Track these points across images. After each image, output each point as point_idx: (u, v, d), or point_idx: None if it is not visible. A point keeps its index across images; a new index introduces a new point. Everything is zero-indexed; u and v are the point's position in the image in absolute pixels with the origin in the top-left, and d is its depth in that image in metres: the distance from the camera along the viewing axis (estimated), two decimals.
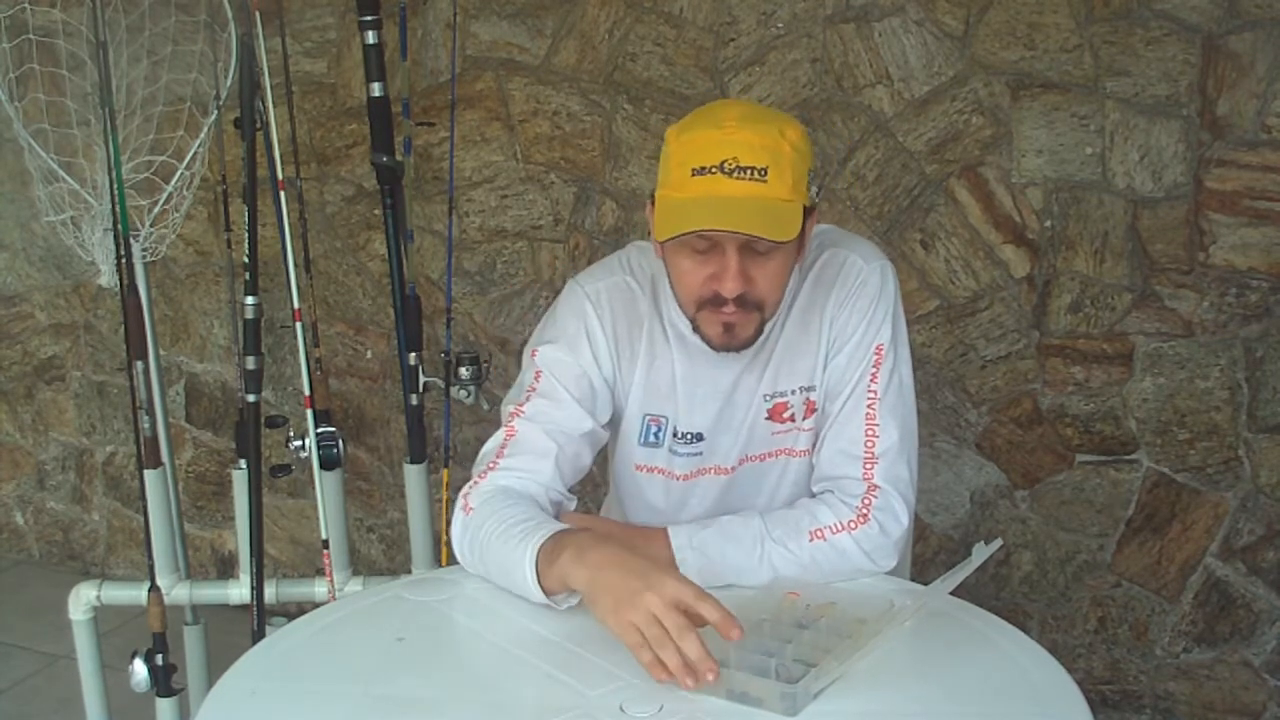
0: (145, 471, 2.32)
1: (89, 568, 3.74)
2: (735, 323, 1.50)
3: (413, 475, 2.44)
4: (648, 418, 1.65)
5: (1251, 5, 2.29)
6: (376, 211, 2.96)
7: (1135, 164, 2.44)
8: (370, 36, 2.28)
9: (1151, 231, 2.46)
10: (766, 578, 1.50)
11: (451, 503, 1.72)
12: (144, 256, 2.38)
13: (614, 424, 1.68)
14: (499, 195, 2.96)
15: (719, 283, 1.46)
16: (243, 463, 2.37)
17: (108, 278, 2.39)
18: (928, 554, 2.75)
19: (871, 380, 1.58)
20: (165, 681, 2.31)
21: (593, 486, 2.53)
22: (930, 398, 2.66)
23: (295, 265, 2.16)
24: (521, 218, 2.95)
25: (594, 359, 1.61)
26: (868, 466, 1.56)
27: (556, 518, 1.54)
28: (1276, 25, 2.29)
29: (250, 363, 2.28)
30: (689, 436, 1.65)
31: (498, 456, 1.57)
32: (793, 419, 1.64)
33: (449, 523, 1.58)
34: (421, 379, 2.39)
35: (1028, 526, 2.68)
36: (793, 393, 1.62)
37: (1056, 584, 2.68)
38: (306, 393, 2.19)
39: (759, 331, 1.54)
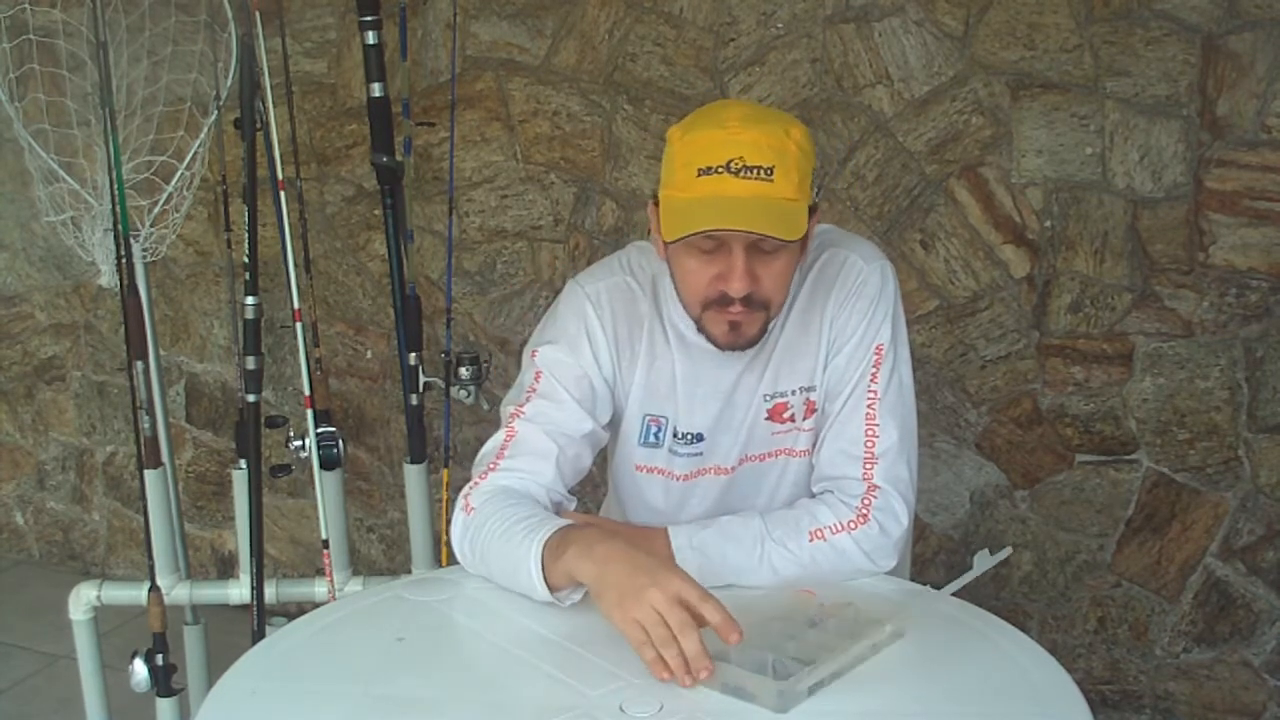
0: (145, 471, 2.32)
1: (89, 568, 3.74)
2: (741, 321, 1.50)
3: (413, 475, 2.44)
4: (648, 418, 1.65)
5: (1251, 5, 2.29)
6: (376, 211, 2.96)
7: (1135, 164, 2.44)
8: (370, 36, 2.28)
9: (1151, 231, 2.46)
10: (766, 578, 1.50)
11: (451, 503, 1.72)
12: (144, 256, 2.38)
13: (614, 424, 1.68)
14: (499, 195, 2.96)
15: (725, 282, 1.46)
16: (243, 463, 2.37)
17: (108, 278, 2.39)
18: (928, 554, 2.75)
19: (871, 380, 1.58)
20: (165, 681, 2.31)
21: (592, 487, 2.53)
22: (930, 398, 2.66)
23: (295, 265, 2.16)
24: (521, 218, 2.95)
25: (594, 359, 1.61)
26: (868, 466, 1.56)
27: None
28: (1276, 25, 2.29)
29: (250, 363, 2.28)
30: (689, 437, 1.65)
31: (498, 457, 1.57)
32: (793, 419, 1.64)
33: (449, 523, 1.58)
34: (421, 379, 2.39)
35: (1027, 526, 2.68)
36: (793, 393, 1.63)
37: (1056, 584, 2.69)
38: (306, 393, 2.19)
39: (764, 330, 1.54)
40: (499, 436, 1.60)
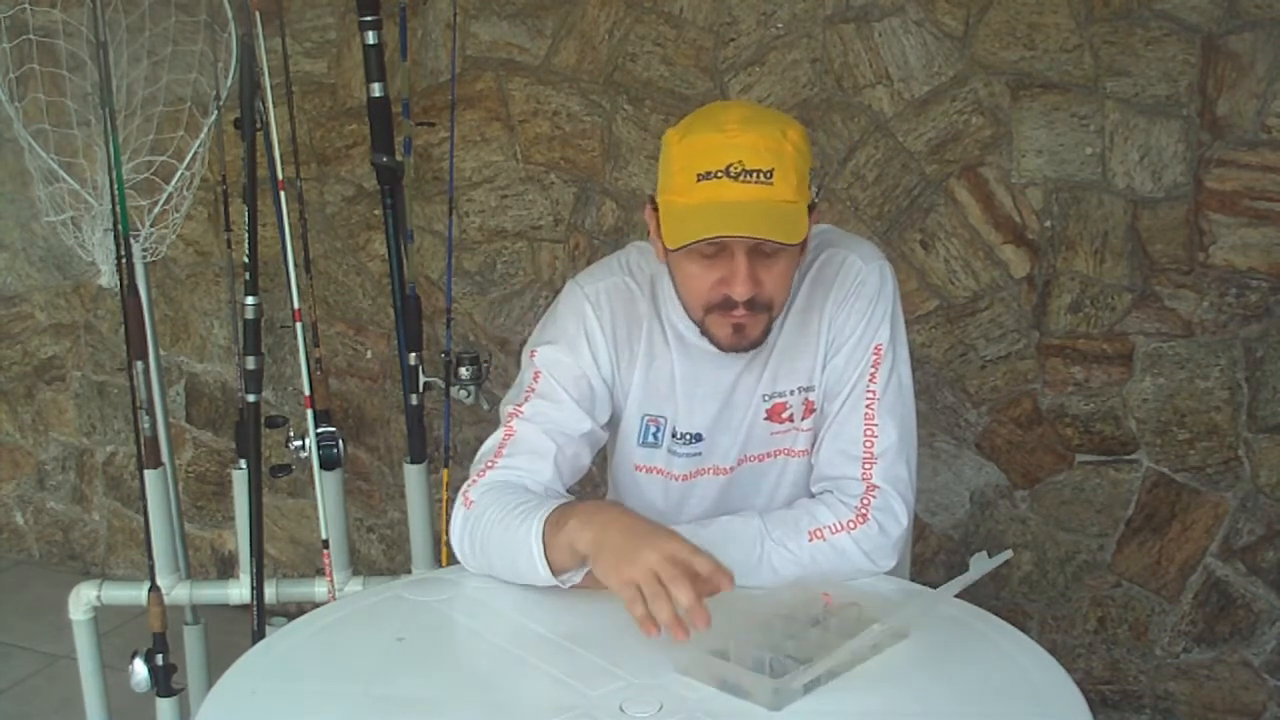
0: (145, 471, 2.32)
1: (89, 568, 3.74)
2: (745, 324, 1.51)
3: (413, 475, 2.44)
4: (646, 418, 1.65)
5: (1251, 5, 2.29)
6: (376, 211, 2.96)
7: (1135, 164, 2.44)
8: (370, 37, 2.28)
9: (1151, 231, 2.46)
10: (766, 578, 1.50)
11: (451, 502, 1.72)
12: (144, 256, 2.38)
13: (613, 424, 1.68)
14: (499, 195, 2.96)
15: (729, 286, 1.47)
16: (243, 463, 2.37)
17: (108, 278, 2.39)
18: (927, 554, 2.75)
19: (870, 380, 1.59)
20: (165, 681, 2.31)
21: (592, 487, 2.53)
22: (930, 398, 2.66)
23: (295, 265, 2.16)
24: (521, 218, 2.95)
25: (593, 360, 1.61)
26: (867, 466, 1.57)
27: None
28: (1276, 25, 2.29)
29: (250, 363, 2.28)
30: (688, 437, 1.65)
31: (496, 456, 1.58)
32: (791, 419, 1.64)
33: (449, 522, 1.58)
34: (421, 379, 2.39)
35: (1027, 526, 2.68)
36: (791, 393, 1.63)
37: (1056, 584, 2.69)
38: (306, 393, 2.19)
39: (768, 331, 1.55)
40: (498, 435, 1.60)
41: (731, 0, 2.64)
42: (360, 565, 3.28)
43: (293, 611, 2.52)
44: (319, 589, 2.37)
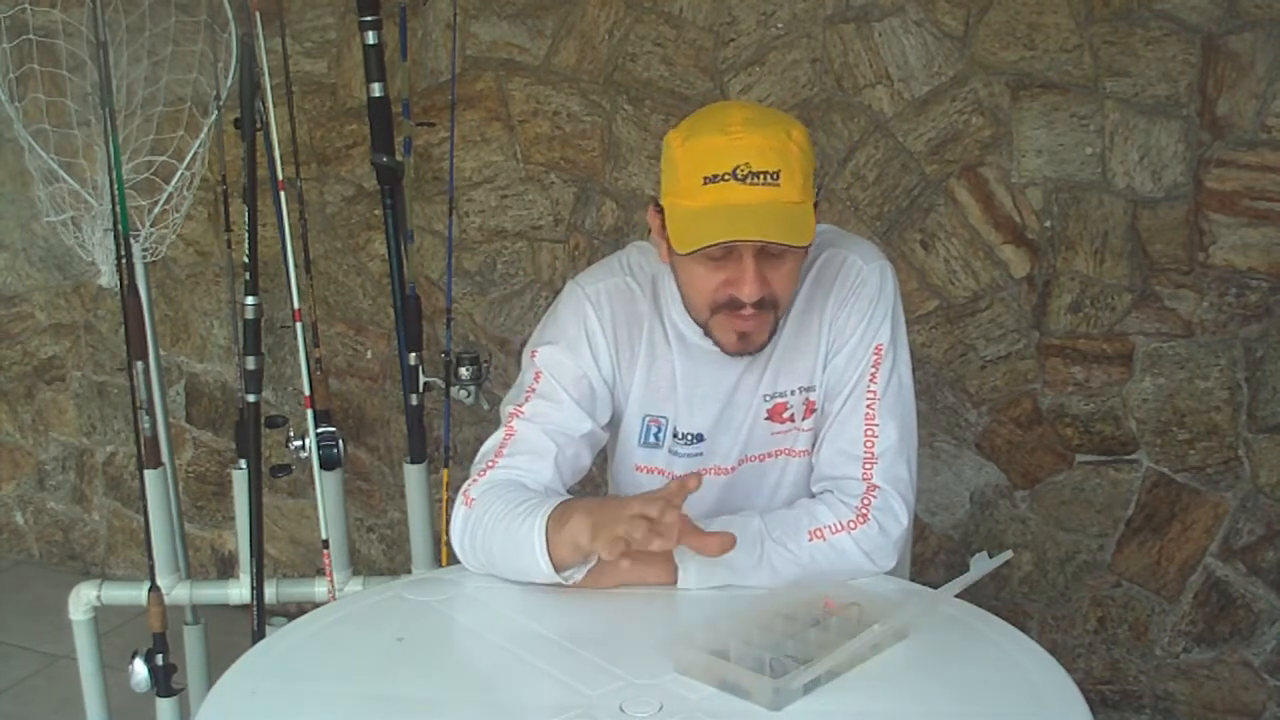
0: (145, 471, 2.32)
1: (89, 568, 3.74)
2: (752, 329, 1.51)
3: (413, 475, 2.44)
4: (647, 418, 1.65)
5: (1251, 5, 2.29)
6: (376, 211, 2.96)
7: (1135, 164, 2.44)
8: (370, 37, 2.28)
9: (1151, 231, 2.46)
10: (766, 578, 1.50)
11: (451, 502, 1.72)
12: (144, 256, 2.38)
13: (614, 425, 1.68)
14: (499, 195, 2.96)
15: (736, 288, 1.47)
16: (243, 463, 2.37)
17: (108, 278, 2.39)
18: (927, 554, 2.75)
19: (871, 380, 1.59)
20: (165, 681, 2.31)
21: (593, 487, 2.53)
22: (930, 398, 2.66)
23: (295, 265, 2.16)
24: (521, 218, 2.95)
25: (594, 360, 1.61)
26: (867, 466, 1.57)
27: None
28: (1276, 25, 2.29)
29: (250, 363, 2.28)
30: (689, 437, 1.65)
31: (497, 455, 1.58)
32: (792, 419, 1.64)
33: (449, 522, 1.58)
34: (421, 379, 2.39)
35: (1027, 526, 2.68)
36: (792, 393, 1.63)
37: (1056, 584, 2.69)
38: (306, 393, 2.19)
39: (773, 332, 1.55)
40: (498, 435, 1.60)
41: (731, 0, 2.64)
42: (360, 565, 3.28)
43: (293, 611, 2.52)
44: (319, 589, 2.37)
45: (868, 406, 1.58)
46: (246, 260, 2.26)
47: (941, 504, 2.73)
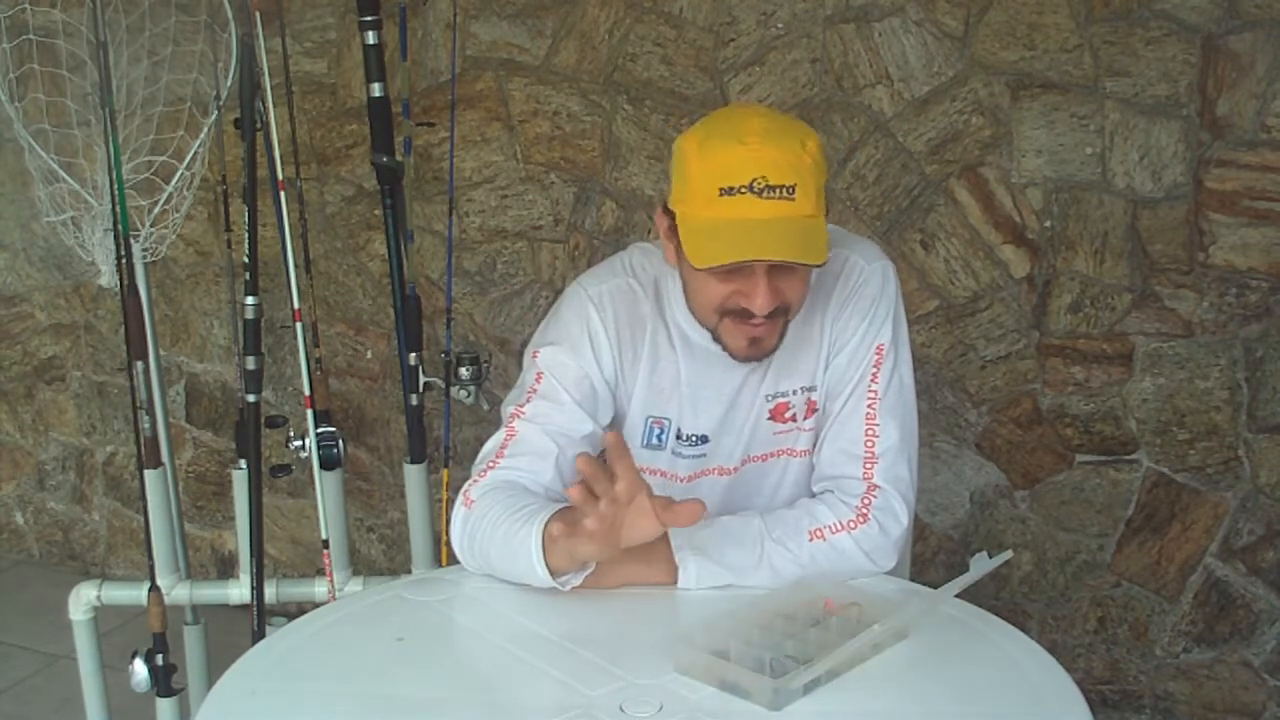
0: (145, 471, 2.32)
1: (89, 568, 3.74)
2: (763, 334, 1.51)
3: (413, 475, 2.44)
4: (650, 420, 1.65)
5: (1251, 5, 2.29)
6: (376, 211, 2.96)
7: (1135, 164, 2.44)
8: (370, 37, 2.28)
9: (1151, 231, 2.46)
10: (766, 578, 1.50)
11: (451, 502, 1.72)
12: (144, 256, 2.38)
13: (615, 426, 1.67)
14: (499, 195, 2.96)
15: (749, 300, 1.46)
16: (243, 463, 2.37)
17: (108, 278, 2.39)
18: (927, 554, 2.75)
19: (872, 380, 1.59)
20: (165, 681, 2.31)
21: None
22: (930, 398, 2.66)
23: (295, 265, 2.16)
24: (521, 218, 2.95)
25: (596, 361, 1.61)
26: (868, 466, 1.57)
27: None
28: (1276, 25, 2.29)
29: (250, 363, 2.28)
30: (693, 439, 1.65)
31: (498, 456, 1.58)
32: (794, 419, 1.64)
33: (449, 522, 1.58)
34: (421, 379, 2.39)
35: (1027, 526, 2.68)
36: (794, 393, 1.63)
37: (1056, 584, 2.69)
38: (306, 393, 2.19)
39: (782, 336, 1.54)
40: (499, 436, 1.60)
41: (731, 0, 2.64)
42: (360, 565, 3.28)
43: (293, 611, 2.51)
44: (319, 589, 2.37)
45: (869, 406, 1.58)
46: (246, 260, 2.26)
47: (941, 504, 2.73)
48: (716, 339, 1.55)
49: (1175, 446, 2.53)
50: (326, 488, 2.26)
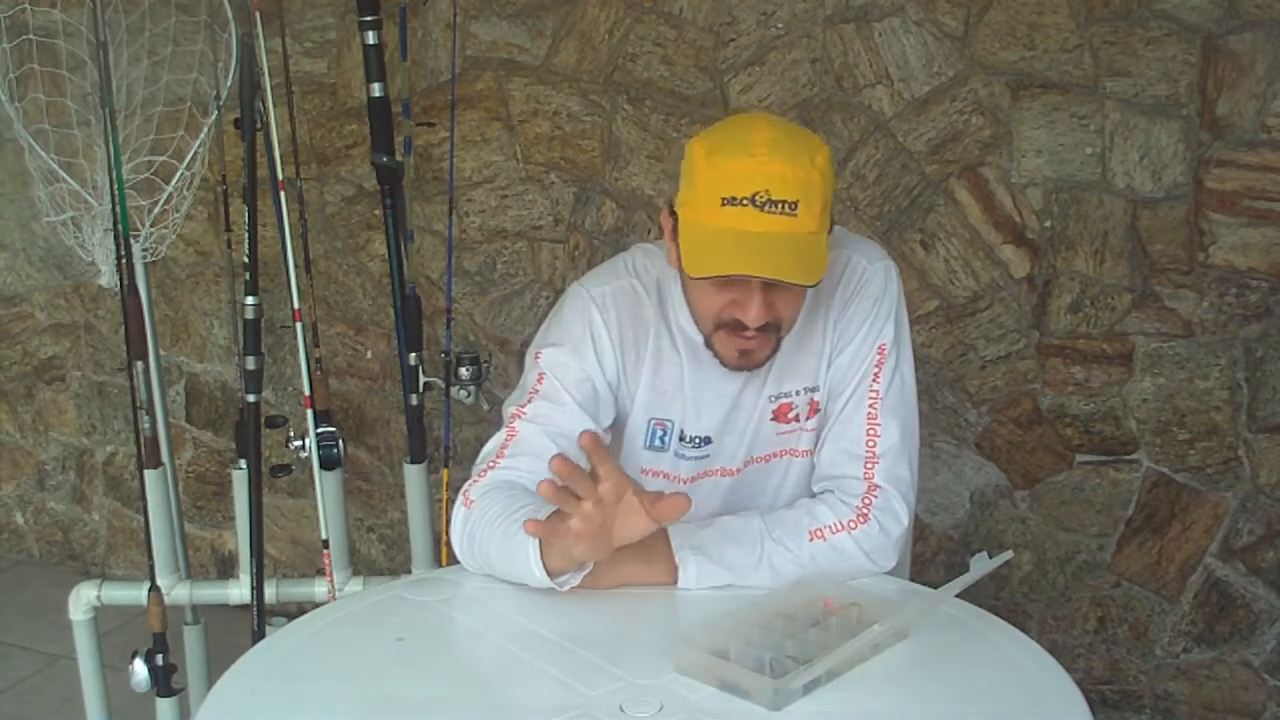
0: (145, 471, 2.32)
1: (89, 568, 3.74)
2: (754, 348, 1.51)
3: (413, 475, 2.44)
4: (653, 422, 1.65)
5: (1251, 5, 2.29)
6: (376, 211, 2.96)
7: (1135, 164, 2.44)
8: (370, 37, 2.28)
9: (1151, 231, 2.46)
10: (766, 578, 1.50)
11: (451, 502, 1.72)
12: (144, 257, 2.38)
13: (618, 428, 1.67)
14: (499, 195, 2.96)
15: (742, 311, 1.46)
16: (243, 463, 2.37)
17: (108, 278, 2.39)
18: (927, 554, 2.75)
19: (874, 380, 1.59)
20: (165, 681, 2.31)
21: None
22: (930, 398, 2.66)
23: (295, 265, 2.16)
24: (521, 218, 2.95)
25: (598, 362, 1.61)
26: (868, 466, 1.57)
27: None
28: (1276, 25, 2.29)
29: (250, 363, 2.28)
30: (696, 440, 1.64)
31: (498, 456, 1.58)
32: (797, 419, 1.64)
33: (449, 522, 1.58)
34: (421, 379, 2.39)
35: (1027, 526, 2.68)
36: (797, 393, 1.63)
37: (1056, 584, 2.69)
38: (306, 393, 2.19)
39: (775, 351, 1.55)
40: (500, 436, 1.60)
41: (731, 0, 2.64)
42: (360, 565, 3.28)
43: (293, 611, 2.51)
44: (319, 589, 2.37)
45: (870, 406, 1.58)
46: (246, 260, 2.26)
47: (941, 504, 2.73)
48: (709, 345, 1.55)
49: (1175, 446, 2.53)
50: (326, 488, 2.26)
